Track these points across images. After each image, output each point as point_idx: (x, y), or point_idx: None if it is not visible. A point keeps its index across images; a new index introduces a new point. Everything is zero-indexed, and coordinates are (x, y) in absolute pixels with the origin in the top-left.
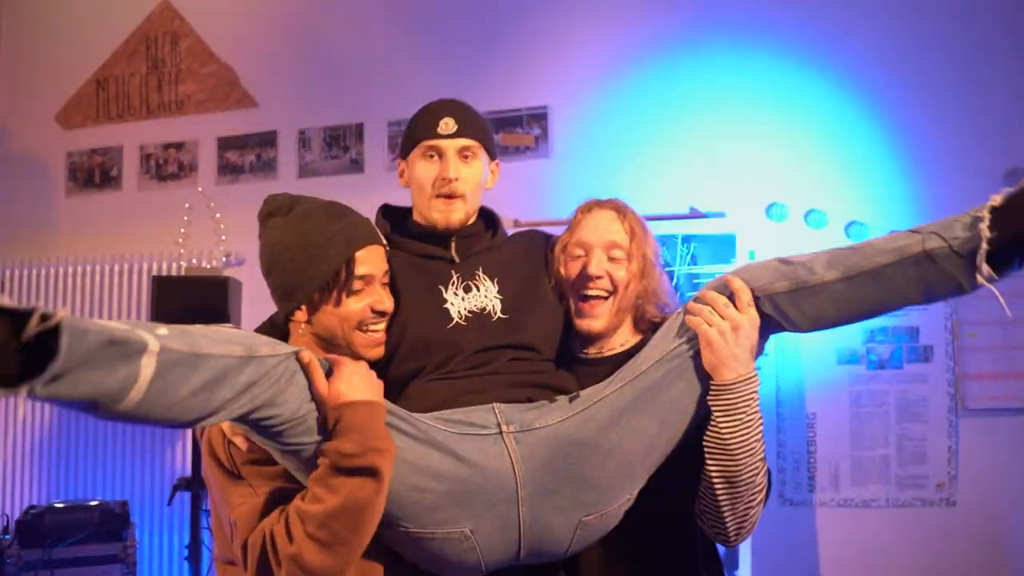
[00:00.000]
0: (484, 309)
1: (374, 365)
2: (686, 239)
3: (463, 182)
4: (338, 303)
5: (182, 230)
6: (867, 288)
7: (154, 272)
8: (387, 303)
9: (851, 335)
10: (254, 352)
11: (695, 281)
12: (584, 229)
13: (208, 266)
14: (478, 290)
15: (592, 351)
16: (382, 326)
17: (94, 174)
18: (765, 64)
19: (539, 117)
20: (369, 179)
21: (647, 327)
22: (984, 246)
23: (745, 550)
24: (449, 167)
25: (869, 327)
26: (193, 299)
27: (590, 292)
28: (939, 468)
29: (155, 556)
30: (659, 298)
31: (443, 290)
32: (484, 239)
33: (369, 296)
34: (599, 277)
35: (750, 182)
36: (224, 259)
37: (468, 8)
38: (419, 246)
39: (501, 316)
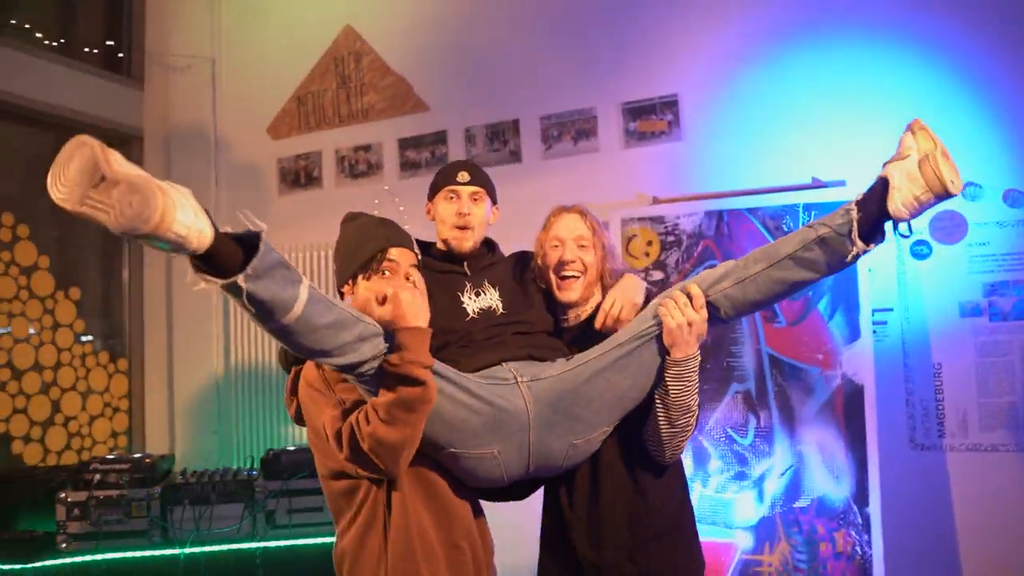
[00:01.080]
0: (490, 307)
1: None
2: (807, 207)
3: (473, 217)
4: (370, 282)
5: None
6: (784, 271)
7: None
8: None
9: (972, 290)
10: (362, 317)
11: None
12: (557, 227)
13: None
14: (485, 295)
15: (571, 317)
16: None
17: (300, 176)
18: (883, 44)
19: (670, 104)
20: (526, 168)
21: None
22: (855, 226)
23: (875, 489)
24: (463, 205)
25: (989, 282)
26: None
27: (566, 272)
28: None
29: None
30: (617, 276)
31: (460, 295)
32: (487, 258)
33: (393, 282)
34: (572, 261)
35: (867, 154)
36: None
37: (603, 9)
38: (441, 265)
39: (503, 312)
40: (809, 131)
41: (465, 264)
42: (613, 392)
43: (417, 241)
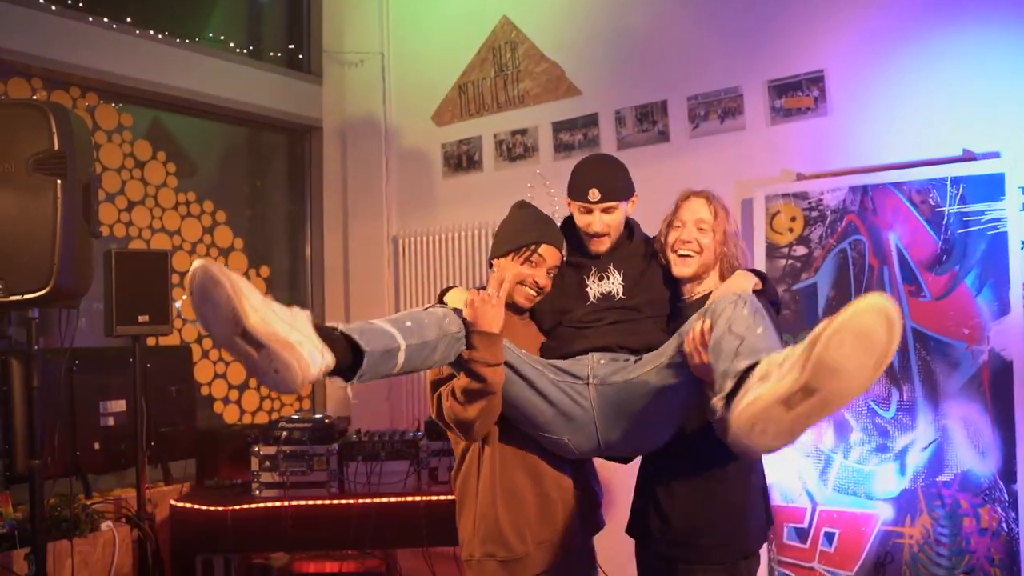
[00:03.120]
0: (610, 292)
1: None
2: (955, 181)
3: (607, 227)
4: (514, 262)
5: None
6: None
7: None
8: (540, 280)
9: None
10: (445, 331)
11: (964, 220)
12: (682, 210)
13: None
14: (609, 279)
15: (687, 293)
16: (533, 292)
17: (462, 160)
18: None
19: (816, 80)
20: (674, 147)
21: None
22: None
23: None
24: (596, 223)
25: None
26: None
27: (682, 251)
28: None
29: None
30: (738, 261)
31: (586, 279)
32: (622, 245)
33: (534, 272)
34: (688, 241)
35: (1020, 124)
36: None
37: None
38: (572, 251)
39: (621, 296)
40: (960, 102)
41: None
42: (668, 405)
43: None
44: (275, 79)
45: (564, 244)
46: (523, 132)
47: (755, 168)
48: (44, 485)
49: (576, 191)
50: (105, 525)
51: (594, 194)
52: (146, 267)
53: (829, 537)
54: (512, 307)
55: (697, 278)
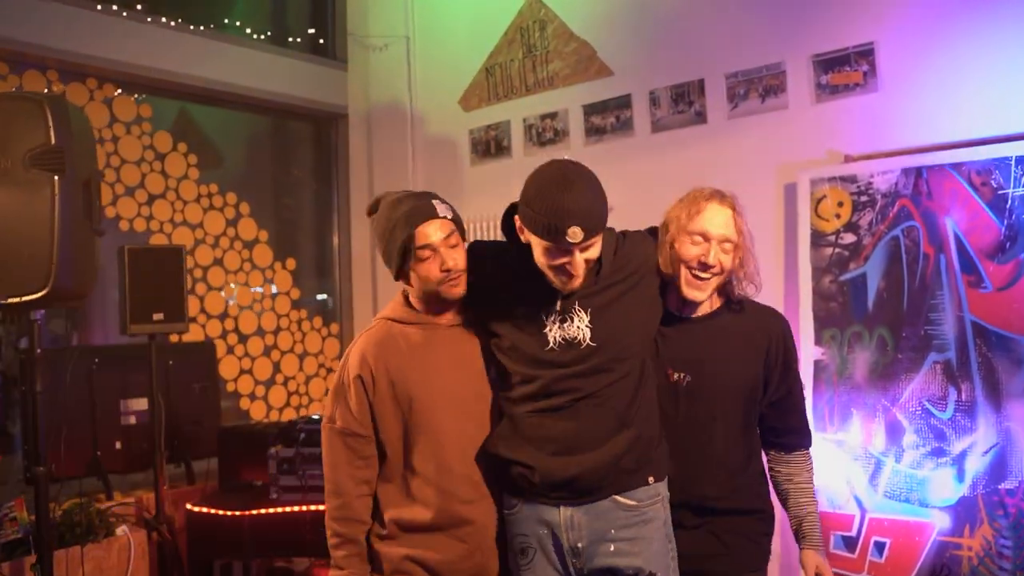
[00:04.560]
0: (575, 339)
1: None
2: (1020, 160)
3: (587, 266)
4: (418, 268)
5: None
6: None
7: None
8: (449, 262)
9: None
10: None
11: None
12: (706, 220)
13: None
14: (573, 321)
15: (685, 312)
16: (459, 277)
17: (490, 145)
18: None
19: (866, 54)
20: (711, 129)
21: (732, 296)
22: None
23: None
24: (574, 264)
25: None
26: None
27: (703, 275)
28: None
29: None
30: (750, 279)
31: (545, 318)
32: (591, 275)
33: (437, 260)
34: (712, 266)
35: None
36: None
37: None
38: (530, 274)
39: (589, 343)
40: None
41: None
42: None
43: (506, 230)
44: (299, 65)
45: (436, 206)
46: (553, 116)
47: (799, 150)
48: (49, 490)
49: (547, 230)
50: (121, 530)
51: (576, 234)
52: (161, 263)
53: (879, 547)
54: (440, 305)
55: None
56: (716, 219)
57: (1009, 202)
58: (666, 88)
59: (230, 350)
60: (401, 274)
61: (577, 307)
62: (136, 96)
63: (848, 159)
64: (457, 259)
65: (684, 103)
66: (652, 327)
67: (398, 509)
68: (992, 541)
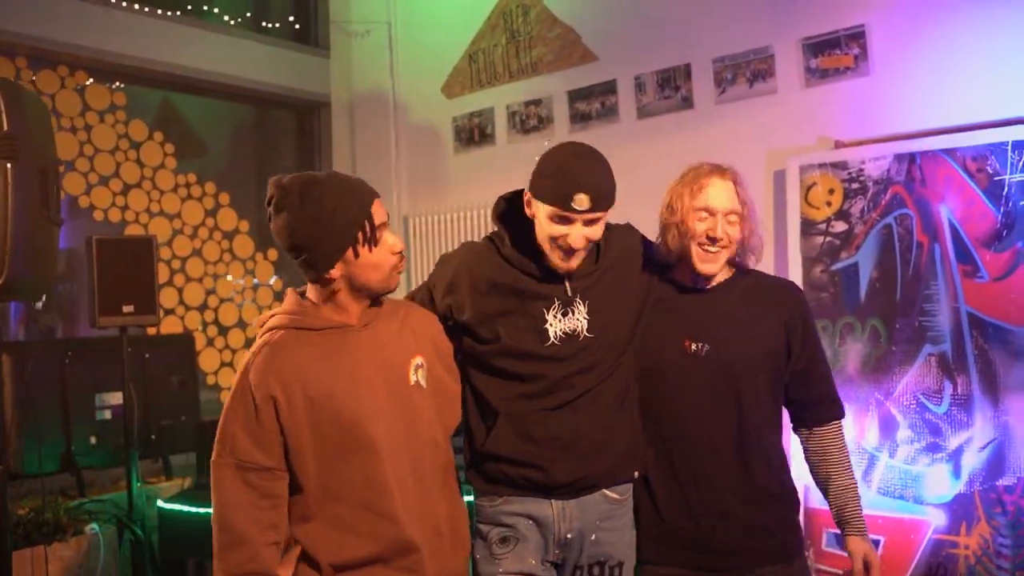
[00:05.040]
0: (575, 330)
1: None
2: (1017, 145)
3: (586, 242)
4: (370, 254)
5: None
6: None
7: None
8: (400, 242)
9: None
10: None
11: None
12: (710, 196)
13: None
14: (574, 313)
15: (700, 284)
16: (400, 264)
17: (474, 133)
18: None
19: (856, 36)
20: (699, 115)
21: (744, 264)
22: None
23: None
24: (574, 237)
25: None
26: None
27: (712, 248)
28: None
29: None
30: (756, 248)
31: (545, 312)
32: (588, 264)
33: (388, 241)
34: (721, 239)
35: None
36: None
37: None
38: (527, 266)
39: (587, 334)
40: (1022, 57)
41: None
42: None
43: (503, 223)
44: (280, 53)
45: (372, 193)
46: (537, 103)
47: (789, 136)
48: (7, 488)
49: (556, 194)
50: (89, 528)
51: (582, 201)
52: (131, 255)
53: (873, 545)
54: (364, 302)
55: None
56: (720, 194)
57: (1005, 189)
58: (652, 73)
59: (210, 342)
60: (335, 264)
61: (578, 300)
62: (112, 85)
63: (839, 145)
64: (401, 243)
65: (671, 88)
66: (636, 320)
67: (331, 549)
68: (990, 539)
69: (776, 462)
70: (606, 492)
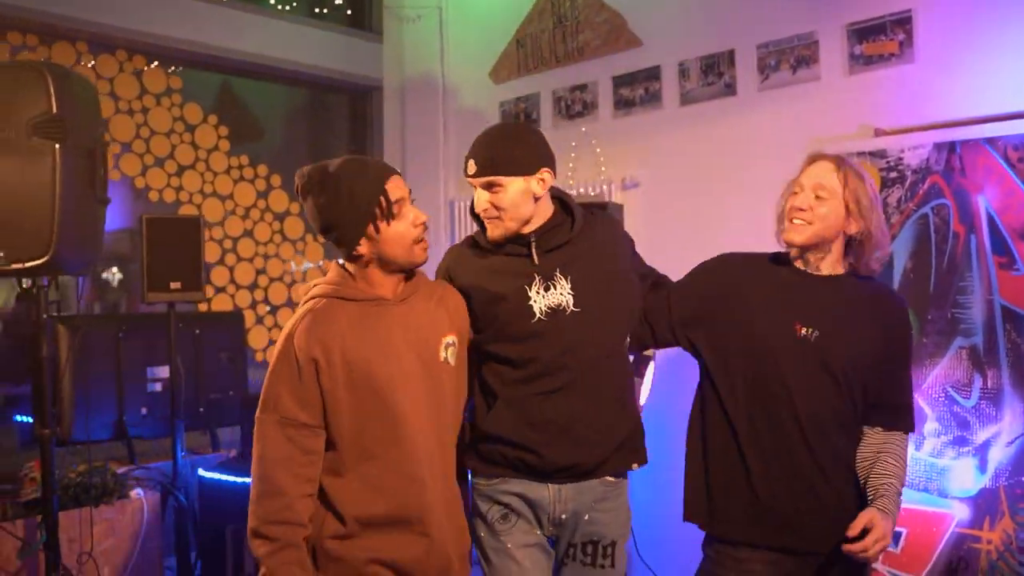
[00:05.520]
0: (560, 305)
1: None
2: None
3: (491, 208)
4: (389, 228)
5: (570, 164)
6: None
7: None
8: (423, 215)
9: None
10: None
11: None
12: (804, 174)
13: (593, 193)
14: (555, 288)
15: (803, 266)
16: (426, 233)
17: (519, 118)
18: None
19: (902, 22)
20: (741, 101)
21: (859, 268)
22: None
23: None
24: (477, 201)
25: None
26: None
27: (794, 218)
28: None
29: None
30: (875, 239)
31: (527, 288)
32: (560, 234)
33: (409, 215)
34: (802, 209)
35: None
36: (622, 182)
37: None
38: (504, 250)
39: (574, 309)
40: None
41: (532, 246)
42: None
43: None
44: (334, 38)
45: (388, 170)
46: (582, 88)
47: (830, 123)
48: (53, 451)
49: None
50: (134, 493)
51: (470, 166)
52: (179, 233)
53: (896, 537)
54: (398, 276)
55: (812, 247)
56: (814, 170)
57: None
58: (696, 59)
59: (259, 320)
60: (360, 241)
61: (558, 274)
62: (169, 69)
63: (879, 133)
64: (424, 214)
65: (714, 74)
66: (633, 304)
67: (358, 504)
68: (1013, 535)
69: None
70: (605, 478)
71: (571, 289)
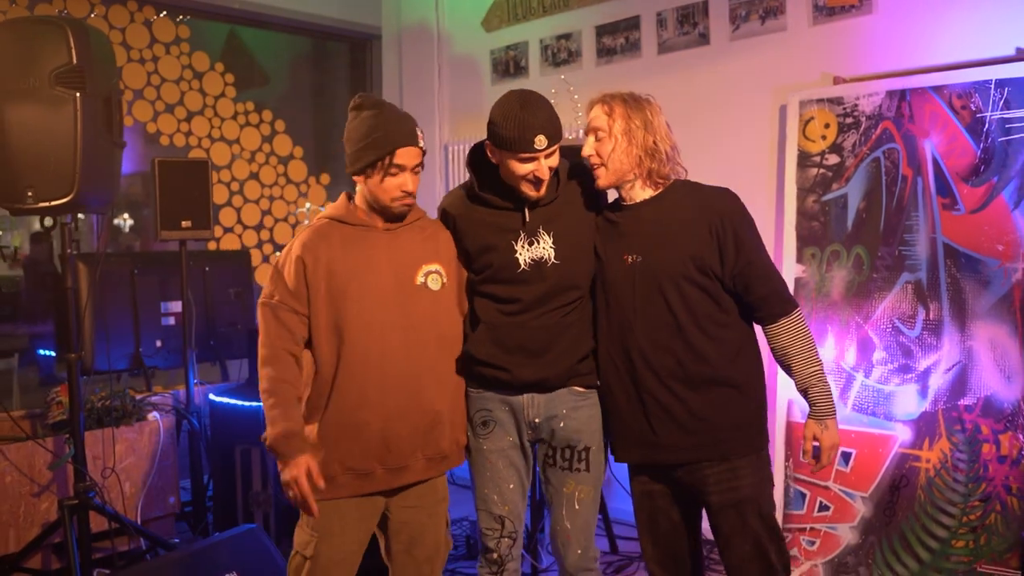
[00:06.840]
0: (542, 258)
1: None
2: (1001, 83)
3: (551, 170)
4: (381, 181)
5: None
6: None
7: None
8: (411, 186)
9: None
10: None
11: (1007, 126)
12: (587, 120)
13: (571, 138)
14: (539, 242)
15: (626, 200)
16: (410, 200)
17: (509, 66)
18: None
19: None
20: (714, 51)
21: (662, 182)
22: None
23: None
24: (541, 169)
25: None
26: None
27: (591, 163)
28: None
29: None
30: (660, 152)
31: (514, 243)
32: (549, 195)
33: (401, 180)
34: (589, 156)
35: None
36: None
37: None
38: (496, 200)
39: (555, 262)
40: None
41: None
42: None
43: (472, 167)
44: None
45: (419, 136)
46: (567, 37)
47: (795, 72)
48: (79, 374)
49: (519, 141)
50: (152, 416)
51: (541, 141)
52: (189, 175)
53: (846, 457)
54: (382, 215)
55: (623, 184)
56: (589, 115)
57: (986, 126)
58: (673, 9)
59: (265, 259)
60: (359, 173)
61: (541, 230)
62: (177, 18)
63: (837, 81)
64: (415, 185)
65: (689, 24)
66: (594, 249)
67: (345, 408)
68: (948, 454)
69: (726, 352)
70: (572, 387)
71: (553, 243)
